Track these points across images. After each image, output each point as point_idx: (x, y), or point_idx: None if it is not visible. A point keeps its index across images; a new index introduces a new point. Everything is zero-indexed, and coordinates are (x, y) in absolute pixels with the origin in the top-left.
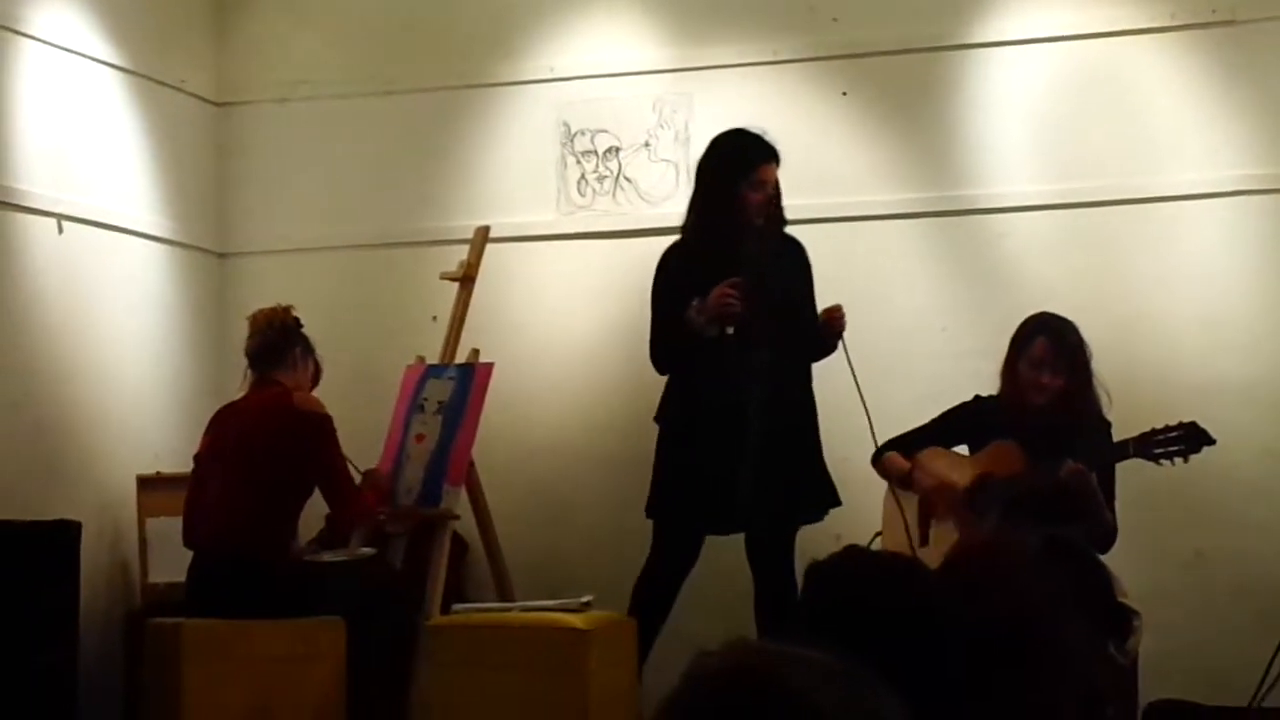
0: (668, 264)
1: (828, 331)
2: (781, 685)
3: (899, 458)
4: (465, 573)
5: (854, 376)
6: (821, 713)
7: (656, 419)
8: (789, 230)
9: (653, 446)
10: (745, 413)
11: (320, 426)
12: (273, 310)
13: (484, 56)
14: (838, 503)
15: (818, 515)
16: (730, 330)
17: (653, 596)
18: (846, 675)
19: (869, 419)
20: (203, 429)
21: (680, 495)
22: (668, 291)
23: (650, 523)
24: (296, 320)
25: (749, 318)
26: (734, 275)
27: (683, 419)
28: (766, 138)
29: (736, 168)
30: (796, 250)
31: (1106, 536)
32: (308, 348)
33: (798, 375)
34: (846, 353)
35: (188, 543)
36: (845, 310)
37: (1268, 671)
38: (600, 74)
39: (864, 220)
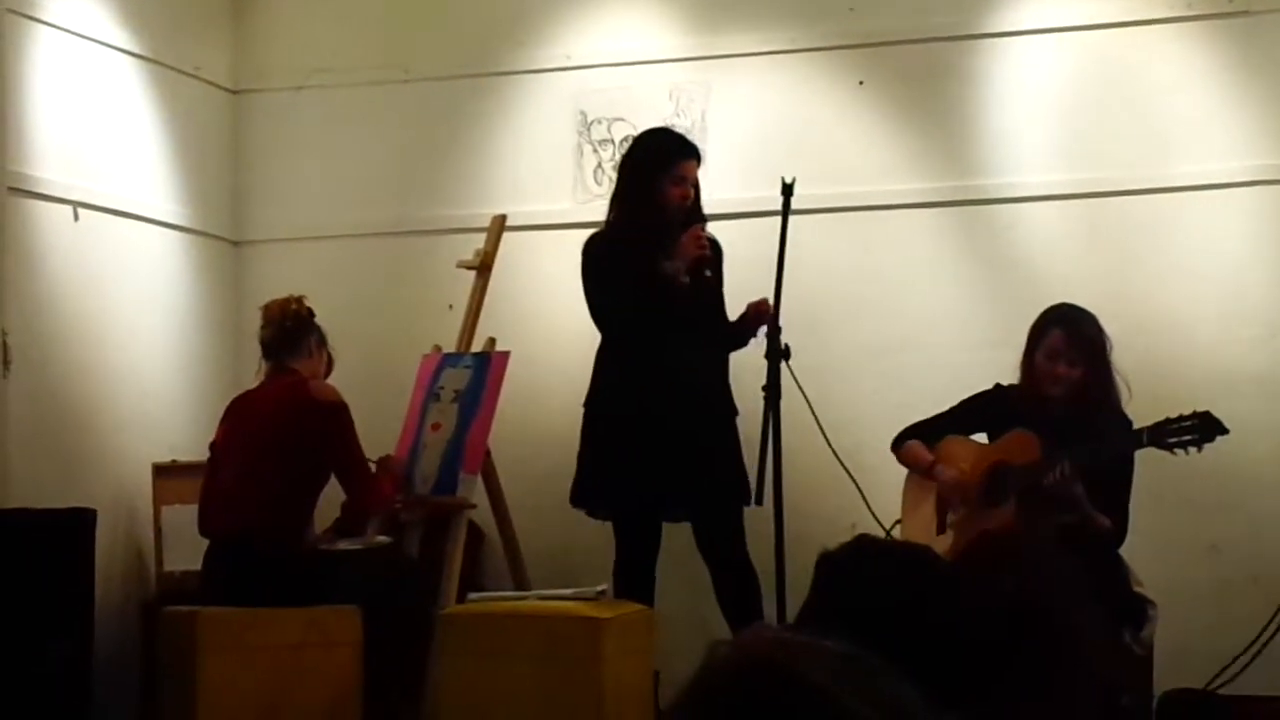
0: (592, 252)
1: (757, 323)
2: (798, 676)
3: (921, 449)
4: (481, 562)
5: (793, 373)
6: (838, 702)
7: (586, 403)
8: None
9: None
10: (684, 399)
11: (336, 415)
12: (285, 301)
13: (500, 44)
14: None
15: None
16: (708, 273)
17: (629, 585)
18: (862, 665)
19: (817, 420)
20: (219, 417)
21: (613, 481)
22: (603, 272)
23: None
24: (310, 311)
25: (715, 266)
26: (659, 266)
27: (620, 405)
28: (689, 136)
29: (658, 162)
30: (713, 246)
31: (1094, 535)
32: (321, 337)
33: (722, 364)
34: (775, 344)
35: (203, 531)
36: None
37: (1256, 656)
38: (617, 62)
39: (881, 210)
